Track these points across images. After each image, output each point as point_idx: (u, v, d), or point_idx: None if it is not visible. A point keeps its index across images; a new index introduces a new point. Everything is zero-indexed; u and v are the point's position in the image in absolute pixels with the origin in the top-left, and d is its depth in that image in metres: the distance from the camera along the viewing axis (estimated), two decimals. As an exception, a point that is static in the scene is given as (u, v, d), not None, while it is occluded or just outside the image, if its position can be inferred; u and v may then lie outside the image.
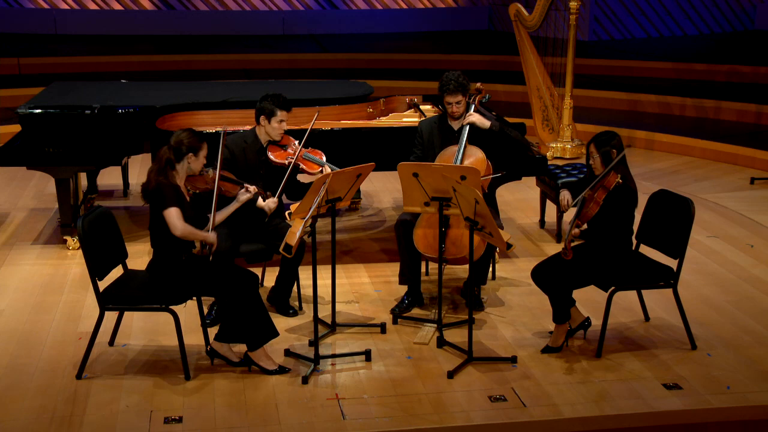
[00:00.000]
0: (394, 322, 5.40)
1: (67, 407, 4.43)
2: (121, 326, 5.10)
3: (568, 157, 9.31)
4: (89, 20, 15.30)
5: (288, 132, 5.51)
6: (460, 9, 16.82)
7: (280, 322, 5.30)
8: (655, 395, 4.58)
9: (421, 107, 6.74)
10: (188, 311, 5.06)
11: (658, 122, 10.66)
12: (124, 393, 4.57)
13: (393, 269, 5.71)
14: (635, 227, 5.15)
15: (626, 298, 5.53)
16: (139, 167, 8.61)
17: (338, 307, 5.43)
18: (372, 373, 4.81)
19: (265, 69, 12.92)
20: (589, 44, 14.55)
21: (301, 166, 5.45)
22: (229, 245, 5.19)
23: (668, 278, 5.04)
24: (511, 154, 5.80)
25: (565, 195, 5.11)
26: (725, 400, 4.55)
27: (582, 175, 6.41)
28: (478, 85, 5.67)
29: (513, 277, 6.14)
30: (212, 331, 4.94)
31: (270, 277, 5.76)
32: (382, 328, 5.29)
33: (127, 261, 5.03)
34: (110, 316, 4.89)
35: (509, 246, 4.87)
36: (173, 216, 4.63)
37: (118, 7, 15.61)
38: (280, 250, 4.70)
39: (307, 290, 5.56)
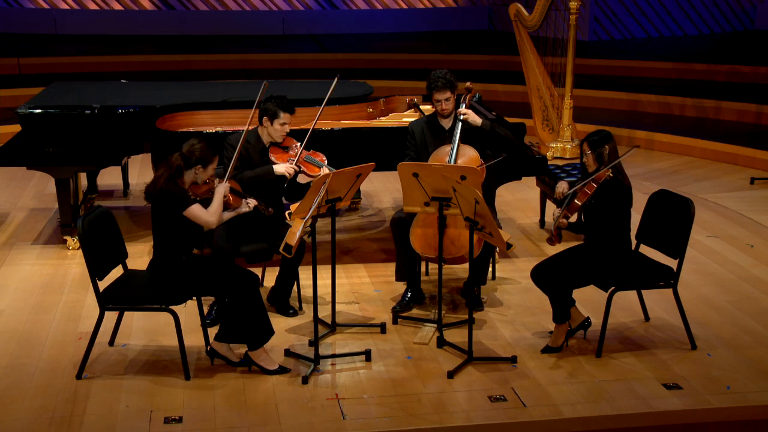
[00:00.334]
0: (394, 321, 5.40)
1: (67, 407, 4.42)
2: (121, 326, 5.09)
3: (568, 157, 9.30)
4: (89, 20, 15.29)
5: (288, 132, 5.51)
6: (460, 9, 16.81)
7: (280, 322, 5.30)
8: (655, 395, 4.58)
9: (421, 107, 6.72)
10: (188, 311, 5.05)
11: (658, 122, 10.66)
12: (124, 393, 4.56)
13: (393, 269, 5.71)
14: (635, 227, 5.15)
15: (626, 298, 5.53)
16: (139, 167, 8.61)
17: (338, 307, 5.43)
18: (372, 373, 4.81)
19: (265, 69, 12.90)
20: (589, 44, 14.54)
21: (302, 168, 5.46)
22: (229, 245, 5.20)
23: (668, 278, 5.04)
24: (505, 152, 5.80)
25: (562, 184, 5.13)
26: (725, 400, 4.55)
27: (581, 175, 6.41)
28: (468, 84, 5.68)
29: (513, 277, 6.14)
30: (212, 331, 4.93)
31: (270, 277, 5.76)
32: (382, 328, 5.29)
33: (127, 261, 5.03)
34: (110, 316, 4.89)
35: (509, 246, 4.88)
36: (198, 212, 4.63)
37: (118, 7, 15.60)
38: (280, 250, 4.70)
39: (307, 290, 5.55)
